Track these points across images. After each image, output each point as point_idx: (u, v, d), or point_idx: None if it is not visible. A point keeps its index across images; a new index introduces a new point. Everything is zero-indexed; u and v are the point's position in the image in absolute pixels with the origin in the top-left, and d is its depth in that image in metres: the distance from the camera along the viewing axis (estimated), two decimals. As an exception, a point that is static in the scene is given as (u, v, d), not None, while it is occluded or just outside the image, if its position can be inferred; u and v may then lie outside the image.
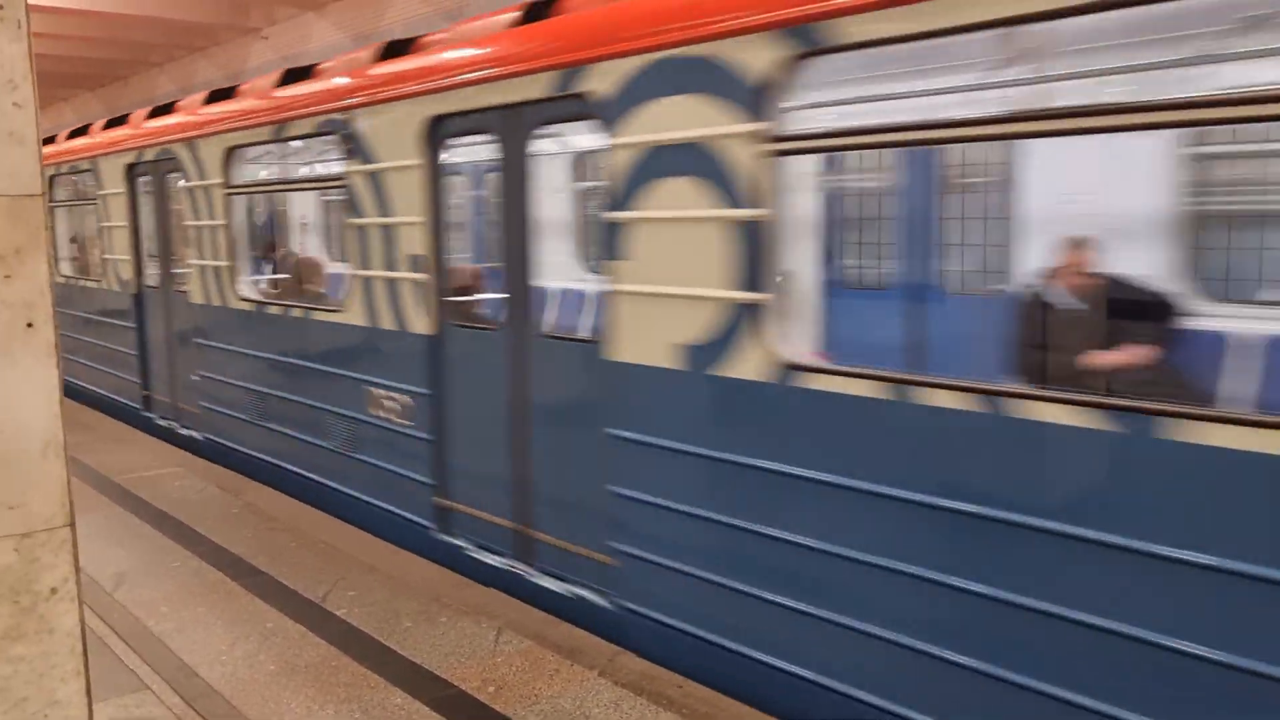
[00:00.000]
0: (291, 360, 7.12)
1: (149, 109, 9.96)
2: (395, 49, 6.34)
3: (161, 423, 9.50)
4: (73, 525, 2.07)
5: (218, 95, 8.57)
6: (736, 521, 4.07)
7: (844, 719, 3.76)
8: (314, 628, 4.87)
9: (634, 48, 4.22)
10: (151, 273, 9.52)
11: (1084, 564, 3.05)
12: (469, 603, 5.14)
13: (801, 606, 3.87)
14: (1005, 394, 3.23)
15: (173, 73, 22.52)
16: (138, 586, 5.47)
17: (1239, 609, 2.76)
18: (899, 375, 3.50)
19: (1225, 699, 2.80)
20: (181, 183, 8.42)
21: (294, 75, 7.47)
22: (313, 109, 6.56)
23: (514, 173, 5.11)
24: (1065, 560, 3.10)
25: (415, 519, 5.98)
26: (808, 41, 3.57)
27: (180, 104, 9.25)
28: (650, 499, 4.43)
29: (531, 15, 5.17)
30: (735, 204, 3.88)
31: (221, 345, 8.07)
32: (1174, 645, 2.87)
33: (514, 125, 5.04)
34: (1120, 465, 2.96)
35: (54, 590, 2.05)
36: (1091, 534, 3.01)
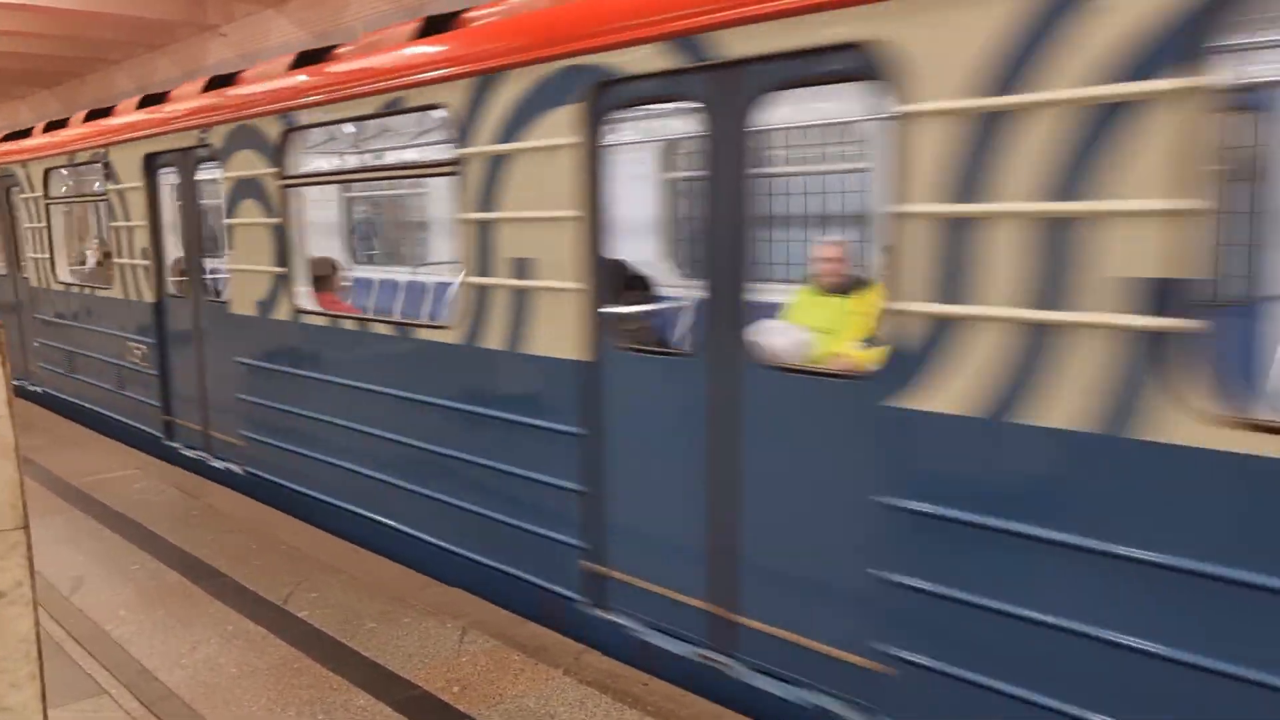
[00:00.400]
0: (85, 326, 9.70)
1: (4, 134, 12.45)
2: (149, 100, 8.92)
3: (17, 383, 12.01)
4: (26, 528, 2.03)
5: (52, 126, 11.08)
6: (286, 408, 6.72)
7: (327, 518, 6.41)
8: (276, 630, 4.85)
9: (226, 118, 6.86)
10: (10, 263, 12.01)
11: (429, 416, 5.70)
12: (432, 603, 5.17)
13: (312, 454, 6.53)
14: (372, 320, 5.91)
15: (131, 70, 22.24)
16: (96, 590, 5.42)
17: (513, 443, 5.43)
18: (334, 314, 6.17)
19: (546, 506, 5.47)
20: (20, 194, 10.95)
21: (95, 114, 10.00)
22: (90, 143, 9.13)
23: (187, 194, 7.74)
24: (424, 414, 5.74)
25: (151, 431, 8.60)
26: (290, 122, 6.23)
27: (34, 130, 11.74)
28: (251, 399, 7.08)
29: (208, 87, 7.78)
30: (271, 215, 6.53)
31: (48, 318, 10.62)
32: (483, 462, 5.55)
33: (184, 162, 7.65)
34: (452, 359, 5.65)
35: (3, 594, 2.00)
36: (425, 398, 5.64)
